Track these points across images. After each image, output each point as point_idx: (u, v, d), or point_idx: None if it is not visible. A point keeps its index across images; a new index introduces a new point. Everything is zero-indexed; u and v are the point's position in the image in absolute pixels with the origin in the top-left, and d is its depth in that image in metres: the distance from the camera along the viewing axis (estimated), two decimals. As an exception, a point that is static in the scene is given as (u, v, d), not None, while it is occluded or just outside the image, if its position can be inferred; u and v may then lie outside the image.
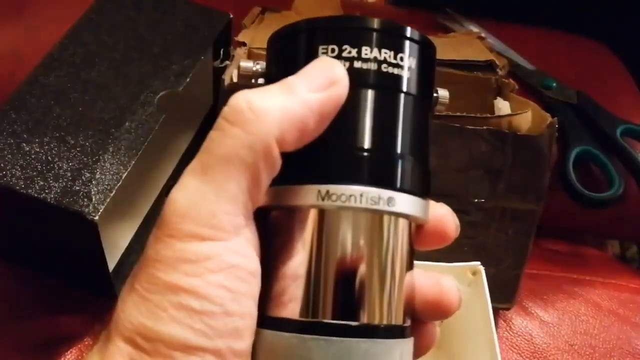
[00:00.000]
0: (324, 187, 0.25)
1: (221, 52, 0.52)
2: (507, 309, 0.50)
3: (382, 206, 0.25)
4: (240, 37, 0.52)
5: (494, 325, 0.39)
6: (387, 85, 0.26)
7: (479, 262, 0.43)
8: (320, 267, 0.25)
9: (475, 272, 0.43)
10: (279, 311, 0.25)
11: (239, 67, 0.29)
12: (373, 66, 0.26)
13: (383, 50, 0.26)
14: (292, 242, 0.26)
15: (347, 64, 0.26)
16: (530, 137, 0.45)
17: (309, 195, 0.25)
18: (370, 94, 0.26)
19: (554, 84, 0.66)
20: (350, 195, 0.25)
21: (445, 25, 0.72)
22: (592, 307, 0.53)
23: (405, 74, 0.26)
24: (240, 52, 0.51)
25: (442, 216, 0.28)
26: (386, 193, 0.25)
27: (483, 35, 0.64)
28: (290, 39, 0.27)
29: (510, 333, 0.51)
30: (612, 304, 0.53)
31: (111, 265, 0.47)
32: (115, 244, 0.49)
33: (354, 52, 0.26)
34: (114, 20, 0.50)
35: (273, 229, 0.26)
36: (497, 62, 0.56)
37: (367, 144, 0.25)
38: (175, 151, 0.55)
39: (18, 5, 0.68)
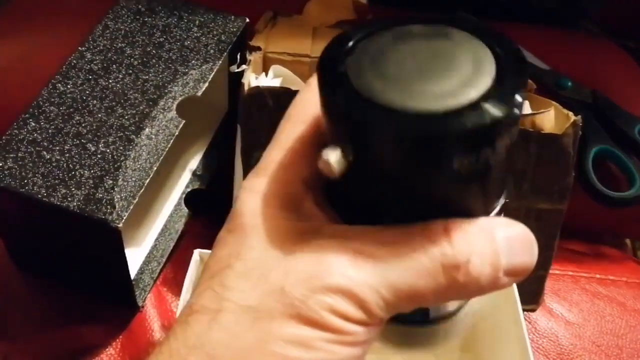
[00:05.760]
0: None
1: (238, 57, 0.51)
2: (533, 311, 0.50)
3: None
4: (254, 42, 0.51)
5: (525, 327, 0.39)
6: None
7: (506, 264, 0.42)
8: None
9: (502, 274, 0.42)
10: None
11: None
12: None
13: None
14: None
15: None
16: (555, 136, 0.44)
17: None
18: None
19: (569, 84, 0.65)
20: None
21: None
22: (617, 306, 0.52)
23: None
24: (256, 56, 0.51)
25: None
26: None
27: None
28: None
29: (536, 334, 0.50)
30: (637, 303, 0.53)
31: (132, 273, 0.46)
32: (136, 251, 0.48)
33: None
34: (130, 27, 0.49)
35: None
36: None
37: None
38: (192, 158, 0.55)
39: (27, 16, 0.68)
